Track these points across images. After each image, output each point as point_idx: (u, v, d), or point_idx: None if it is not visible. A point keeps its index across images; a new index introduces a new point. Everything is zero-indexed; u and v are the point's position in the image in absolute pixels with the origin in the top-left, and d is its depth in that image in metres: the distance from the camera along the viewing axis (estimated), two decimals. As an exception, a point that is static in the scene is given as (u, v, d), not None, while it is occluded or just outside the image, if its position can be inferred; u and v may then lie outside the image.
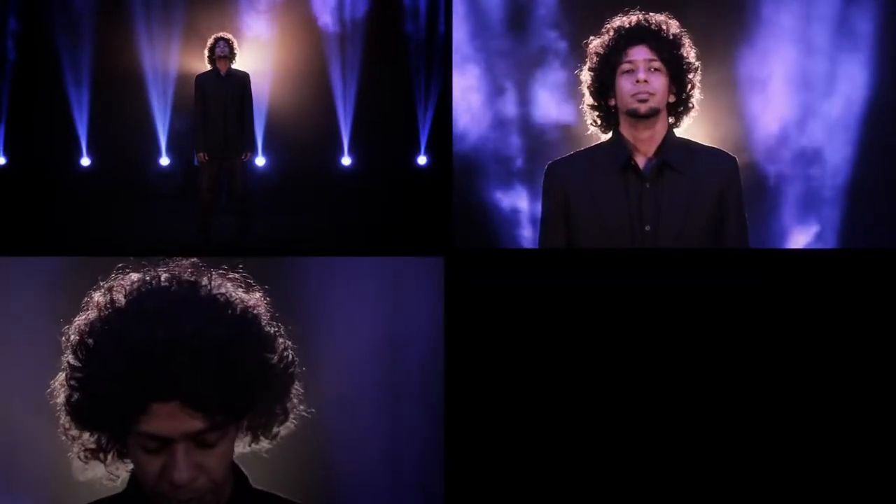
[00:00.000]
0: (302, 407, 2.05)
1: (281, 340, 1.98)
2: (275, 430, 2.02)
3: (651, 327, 3.13)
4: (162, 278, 1.91)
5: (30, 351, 2.09)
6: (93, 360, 1.84)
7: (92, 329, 1.87)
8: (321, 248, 3.23)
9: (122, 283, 1.91)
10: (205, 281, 1.93)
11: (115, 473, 1.96)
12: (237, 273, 2.00)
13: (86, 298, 1.91)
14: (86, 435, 1.91)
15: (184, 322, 1.82)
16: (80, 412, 1.88)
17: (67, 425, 1.91)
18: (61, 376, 1.90)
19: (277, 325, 1.98)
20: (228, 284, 1.96)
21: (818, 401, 3.04)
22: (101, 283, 1.93)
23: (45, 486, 2.57)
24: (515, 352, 3.08)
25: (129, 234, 3.84)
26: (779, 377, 3.05)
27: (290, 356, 1.99)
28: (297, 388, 2.04)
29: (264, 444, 2.04)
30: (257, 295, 1.99)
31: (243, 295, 1.96)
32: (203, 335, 1.82)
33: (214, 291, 1.91)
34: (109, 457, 1.93)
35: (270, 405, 1.97)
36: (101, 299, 1.89)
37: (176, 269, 1.95)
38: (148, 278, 1.91)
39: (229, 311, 1.90)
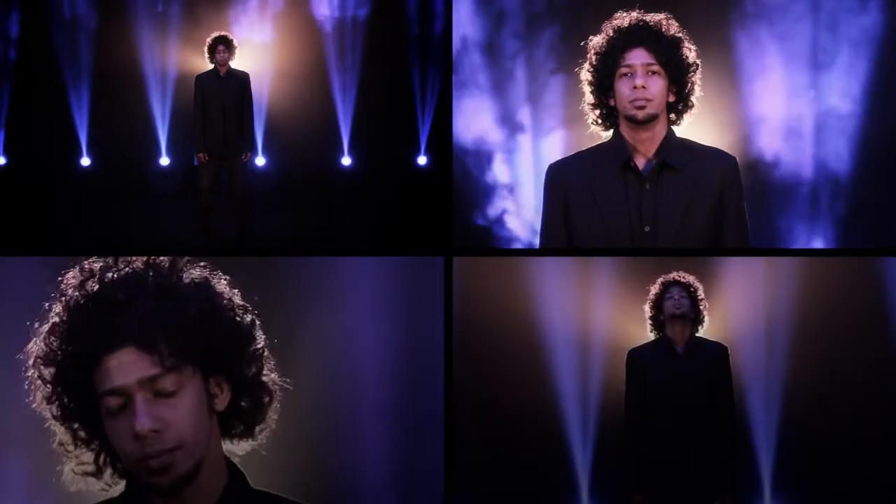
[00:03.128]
0: (279, 398, 2.05)
1: (237, 302, 2.00)
2: (261, 421, 2.02)
3: (650, 327, 3.13)
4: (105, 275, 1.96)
5: (30, 351, 2.08)
6: (49, 342, 1.90)
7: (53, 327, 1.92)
8: (321, 248, 3.22)
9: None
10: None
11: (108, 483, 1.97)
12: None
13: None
14: (83, 452, 1.93)
15: (122, 279, 1.91)
16: (56, 396, 1.90)
17: (58, 427, 1.92)
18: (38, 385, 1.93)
19: (231, 296, 2.00)
20: (165, 264, 1.99)
21: (817, 400, 3.04)
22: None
23: (44, 486, 2.57)
24: (515, 351, 3.08)
25: (129, 234, 3.84)
26: (778, 377, 3.05)
27: (250, 319, 2.00)
28: (269, 366, 2.03)
29: (250, 442, 2.03)
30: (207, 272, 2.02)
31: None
32: (139, 281, 1.90)
33: (147, 262, 1.97)
34: (107, 474, 1.94)
35: (234, 366, 1.96)
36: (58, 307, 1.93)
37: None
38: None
39: (162, 266, 1.96)
